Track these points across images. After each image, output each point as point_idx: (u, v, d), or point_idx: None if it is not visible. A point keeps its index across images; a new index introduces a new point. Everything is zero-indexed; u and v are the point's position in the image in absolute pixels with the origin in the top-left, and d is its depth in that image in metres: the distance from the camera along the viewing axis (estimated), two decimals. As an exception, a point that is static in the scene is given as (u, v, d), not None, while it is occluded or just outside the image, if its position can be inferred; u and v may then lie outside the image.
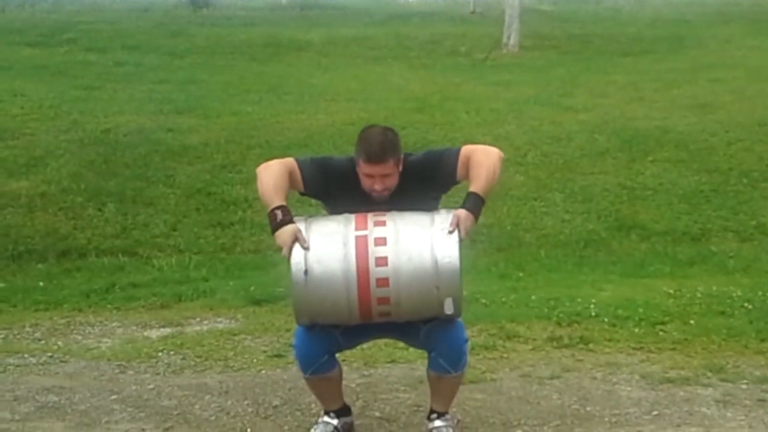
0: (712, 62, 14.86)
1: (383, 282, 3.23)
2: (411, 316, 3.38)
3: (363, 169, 3.39)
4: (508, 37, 17.16)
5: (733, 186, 9.25)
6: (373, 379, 4.54)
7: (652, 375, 4.57)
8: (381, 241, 3.25)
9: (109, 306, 6.34)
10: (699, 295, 6.11)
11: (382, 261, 3.23)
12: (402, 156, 3.44)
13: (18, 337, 5.60)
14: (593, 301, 5.89)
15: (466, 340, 3.56)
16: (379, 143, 3.36)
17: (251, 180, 8.98)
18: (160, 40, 17.23)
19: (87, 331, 5.71)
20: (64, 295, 6.65)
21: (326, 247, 3.26)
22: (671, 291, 6.25)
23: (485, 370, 4.65)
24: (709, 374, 4.57)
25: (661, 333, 5.28)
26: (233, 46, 16.85)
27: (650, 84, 13.51)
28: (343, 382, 3.81)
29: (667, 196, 9.08)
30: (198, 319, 5.88)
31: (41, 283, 7.10)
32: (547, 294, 6.18)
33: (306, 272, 3.23)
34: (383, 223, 3.30)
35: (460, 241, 3.25)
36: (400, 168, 3.43)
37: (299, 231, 3.26)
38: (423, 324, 3.45)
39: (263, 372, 4.73)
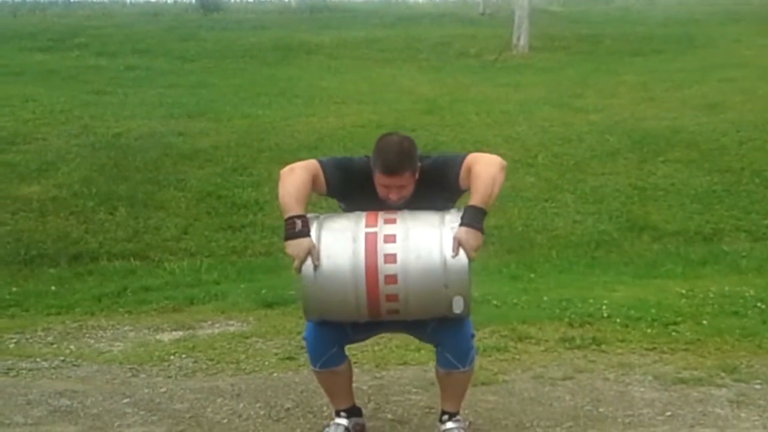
0: (722, 62, 14.80)
1: (392, 279, 3.23)
2: (420, 314, 3.37)
3: (379, 179, 3.40)
4: (518, 39, 17.13)
5: (745, 185, 9.22)
6: (384, 381, 4.54)
7: (665, 376, 4.55)
8: (390, 239, 3.25)
9: (120, 310, 6.37)
10: (712, 295, 6.09)
11: (390, 258, 3.23)
12: (418, 164, 3.43)
13: (30, 341, 5.61)
14: (605, 301, 5.88)
15: (473, 335, 3.57)
16: (396, 154, 3.35)
17: (262, 183, 9.11)
18: (170, 44, 17.28)
19: (99, 335, 5.73)
20: (76, 299, 6.68)
21: (336, 243, 3.27)
22: (684, 291, 6.23)
23: (497, 371, 4.65)
24: (723, 374, 4.55)
25: (673, 333, 5.26)
26: (243, 50, 16.88)
27: (661, 84, 13.47)
28: (354, 384, 3.81)
29: (679, 197, 9.05)
30: (209, 323, 5.89)
31: (53, 288, 7.13)
32: (558, 295, 6.17)
33: (315, 267, 3.24)
34: (393, 221, 3.31)
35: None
36: (416, 177, 3.43)
37: (314, 248, 3.25)
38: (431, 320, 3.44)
39: (275, 375, 4.73)
